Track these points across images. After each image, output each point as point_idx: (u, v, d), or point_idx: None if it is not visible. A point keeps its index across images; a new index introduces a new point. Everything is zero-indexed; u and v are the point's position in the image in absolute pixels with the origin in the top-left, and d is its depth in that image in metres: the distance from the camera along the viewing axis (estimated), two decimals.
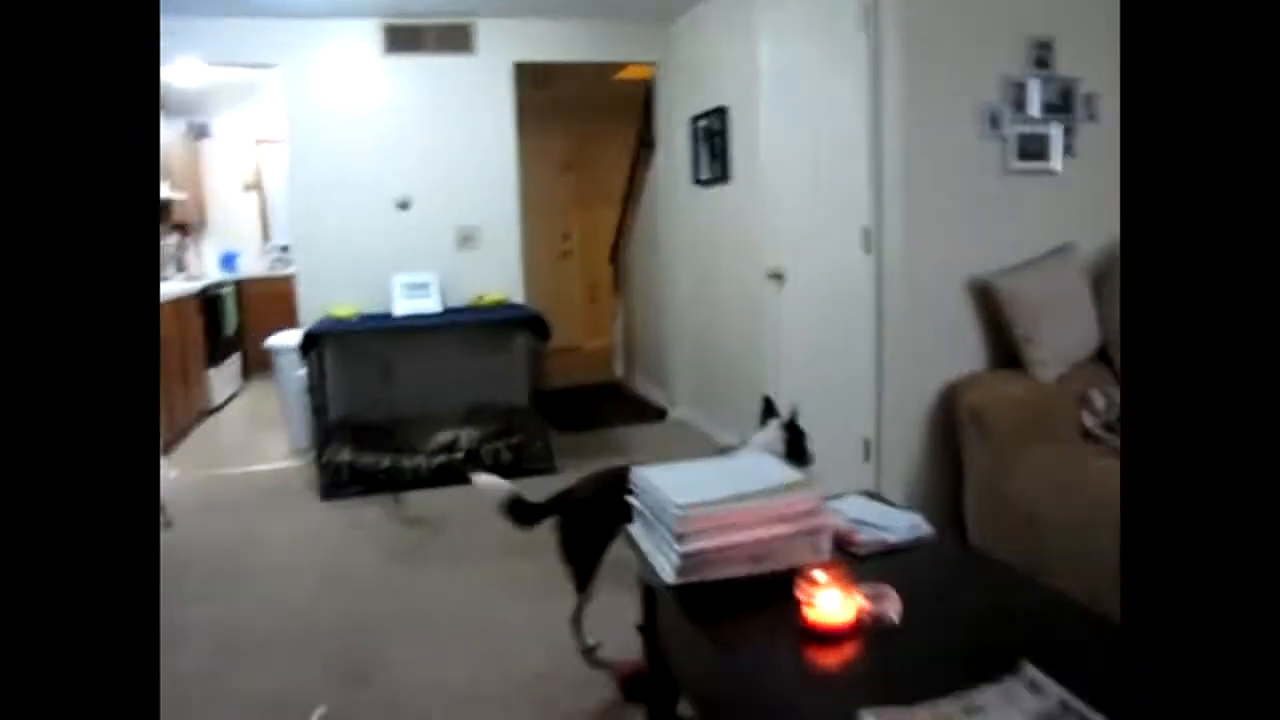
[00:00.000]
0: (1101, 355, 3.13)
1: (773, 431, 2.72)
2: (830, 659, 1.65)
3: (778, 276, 3.97)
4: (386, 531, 3.76)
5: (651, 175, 5.60)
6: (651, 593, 2.23)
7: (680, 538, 1.92)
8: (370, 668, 2.64)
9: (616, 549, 2.41)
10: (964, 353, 3.17)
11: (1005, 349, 3.15)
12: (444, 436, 4.38)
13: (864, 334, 3.28)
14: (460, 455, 4.31)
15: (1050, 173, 3.15)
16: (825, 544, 2.00)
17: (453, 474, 4.26)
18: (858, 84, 3.19)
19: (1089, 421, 2.86)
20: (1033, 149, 3.10)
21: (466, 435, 4.39)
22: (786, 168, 3.84)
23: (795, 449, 2.76)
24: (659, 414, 5.49)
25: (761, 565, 1.94)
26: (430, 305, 4.62)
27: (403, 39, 4.67)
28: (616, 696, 2.47)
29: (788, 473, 2.08)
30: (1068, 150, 3.15)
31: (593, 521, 2.58)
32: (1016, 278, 3.05)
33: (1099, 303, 3.14)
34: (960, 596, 1.91)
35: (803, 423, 3.06)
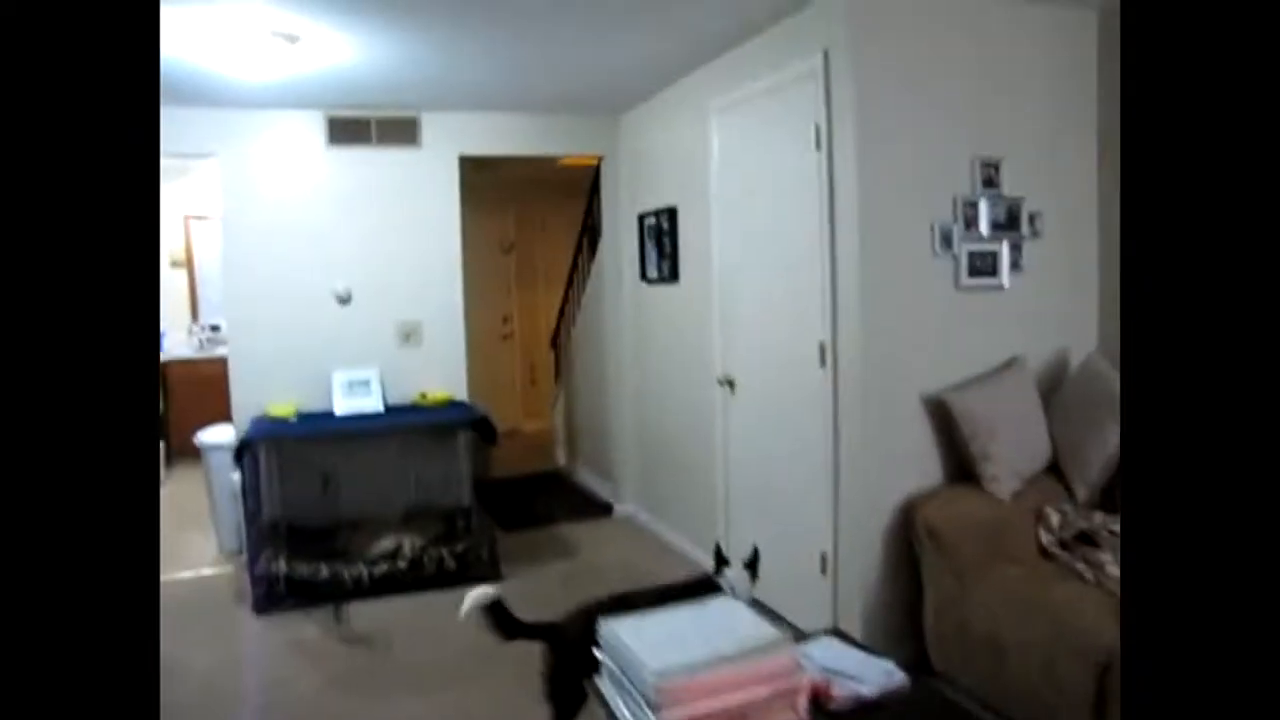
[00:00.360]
0: (1053, 468, 3.17)
1: (738, 572, 2.67)
2: None
3: (728, 383, 3.95)
4: (328, 652, 3.54)
5: (596, 265, 5.58)
6: None
7: (657, 708, 1.83)
8: None
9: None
10: (920, 466, 3.17)
11: (960, 462, 3.17)
12: (386, 544, 4.19)
13: (820, 447, 3.27)
14: (403, 564, 4.13)
15: (998, 288, 3.22)
16: (803, 703, 1.93)
17: (395, 584, 4.08)
18: (811, 199, 3.23)
19: (1045, 539, 2.88)
20: (982, 266, 3.17)
21: (410, 542, 4.20)
22: (738, 273, 3.85)
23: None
24: (605, 509, 5.38)
25: None
26: (372, 404, 4.46)
27: (346, 131, 4.59)
28: None
29: (763, 629, 2.01)
30: (1014, 266, 3.24)
31: (581, 660, 2.48)
32: (970, 394, 3.09)
33: (1048, 417, 3.19)
34: None
35: (756, 534, 3.01)
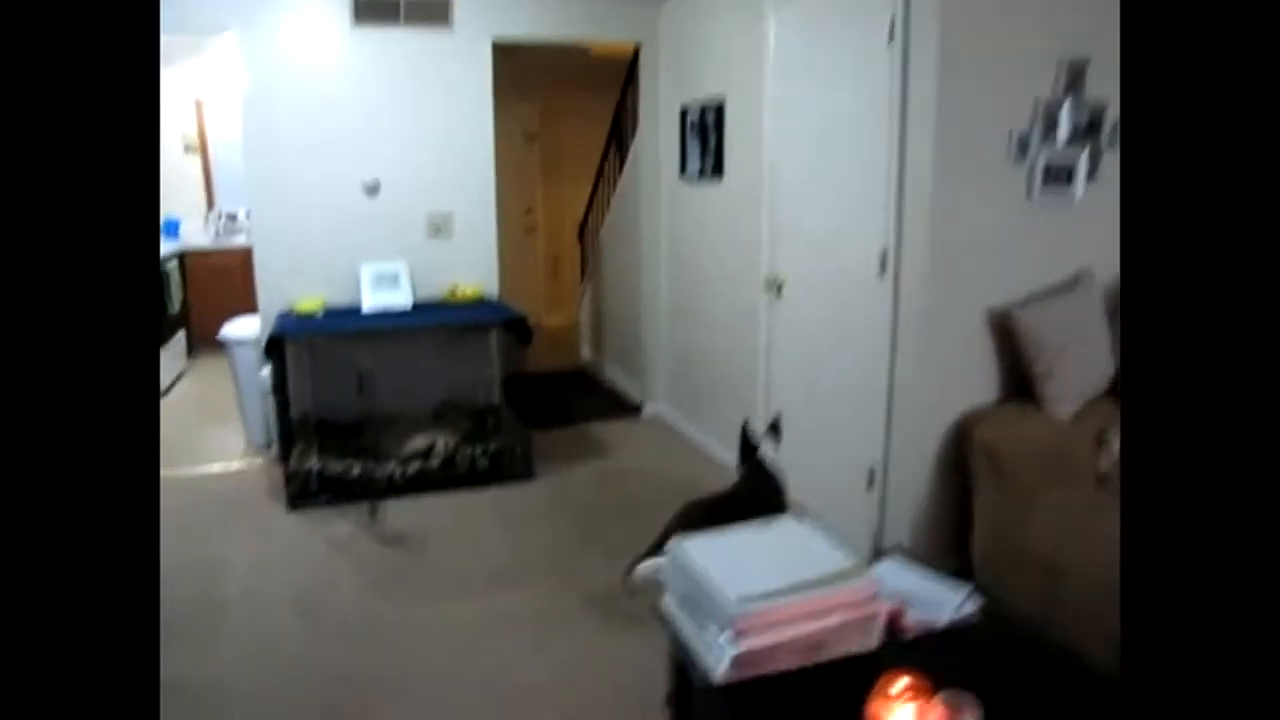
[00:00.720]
0: (1114, 390, 3.08)
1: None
2: None
3: (775, 286, 3.82)
4: (364, 552, 3.54)
5: (631, 158, 5.35)
6: (683, 670, 2.10)
7: (737, 636, 1.79)
8: None
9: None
10: (976, 383, 3.08)
11: (1017, 380, 3.07)
12: (419, 442, 4.16)
13: (875, 358, 3.17)
14: (436, 463, 4.11)
15: (1071, 201, 3.04)
16: (878, 631, 1.90)
17: (427, 482, 4.07)
18: (880, 96, 3.02)
19: (1105, 464, 2.81)
20: (1057, 176, 2.99)
21: (444, 440, 4.17)
22: (792, 173, 3.66)
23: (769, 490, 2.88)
24: (634, 409, 5.34)
25: (814, 657, 1.83)
26: (400, 299, 4.35)
27: (373, 8, 4.30)
28: None
29: (838, 555, 1.96)
30: (1090, 177, 3.05)
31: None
32: (1038, 310, 2.96)
33: (1113, 335, 3.07)
34: (1032, 695, 1.81)
35: (799, 444, 2.97)
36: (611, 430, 5.06)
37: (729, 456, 4.42)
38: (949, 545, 3.16)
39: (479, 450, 4.18)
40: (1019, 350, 2.98)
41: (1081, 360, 2.98)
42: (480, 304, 4.47)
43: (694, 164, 4.56)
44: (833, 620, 1.84)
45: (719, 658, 1.80)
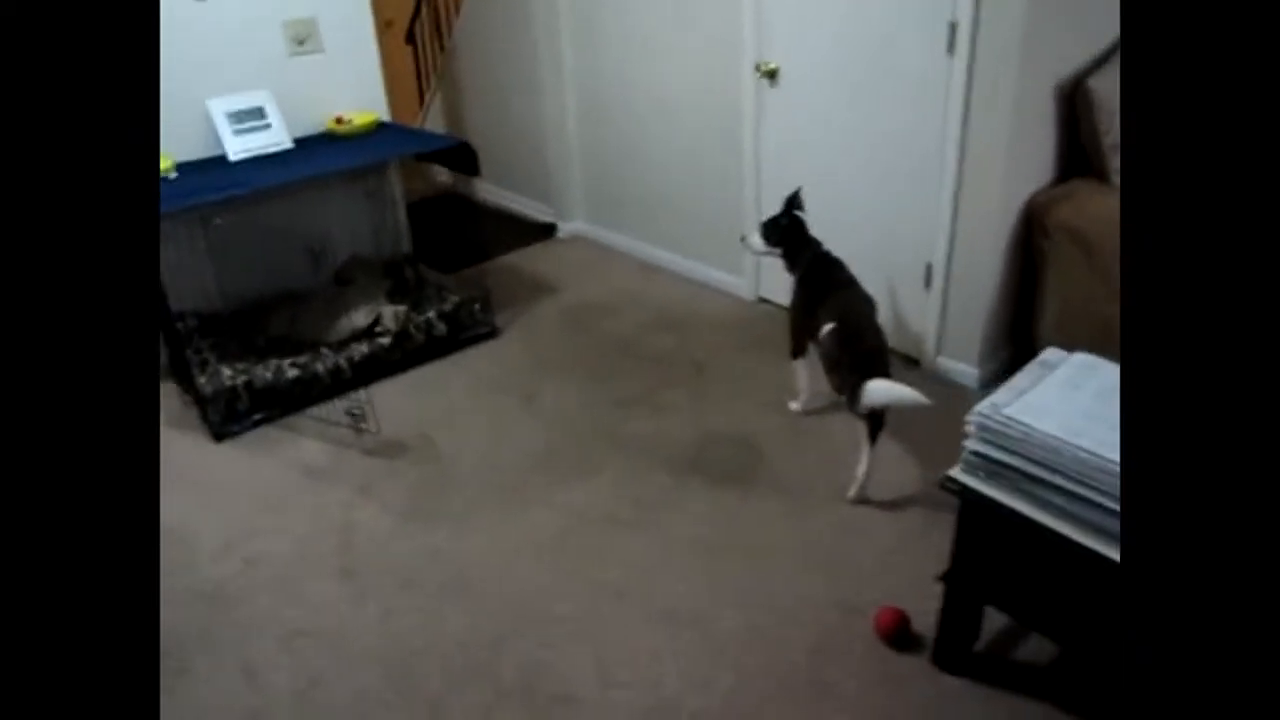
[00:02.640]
0: None
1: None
2: None
3: (768, 73, 3.33)
4: (361, 473, 2.83)
5: None
6: (971, 541, 1.89)
7: None
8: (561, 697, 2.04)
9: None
10: (1040, 164, 2.94)
11: (1077, 157, 2.97)
12: (357, 319, 3.33)
13: (933, 146, 2.89)
14: (387, 341, 3.34)
15: None
16: None
17: (381, 366, 3.32)
18: None
19: None
20: None
21: (391, 312, 3.37)
22: None
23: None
24: (544, 231, 4.68)
25: None
26: (274, 139, 3.29)
27: None
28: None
29: None
30: None
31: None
32: (1109, 78, 2.80)
33: None
34: None
35: (833, 248, 2.80)
36: (536, 260, 4.43)
37: (691, 266, 4.07)
38: (1006, 335, 3.14)
39: (433, 314, 3.46)
40: (1089, 123, 2.84)
41: None
42: (382, 134, 3.51)
43: None
44: None
45: (1118, 533, 1.60)
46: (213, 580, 2.42)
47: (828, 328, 2.55)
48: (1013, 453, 1.73)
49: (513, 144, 4.73)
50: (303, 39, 3.40)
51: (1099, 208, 2.82)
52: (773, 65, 3.30)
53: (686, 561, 2.41)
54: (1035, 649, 2.09)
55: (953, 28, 2.71)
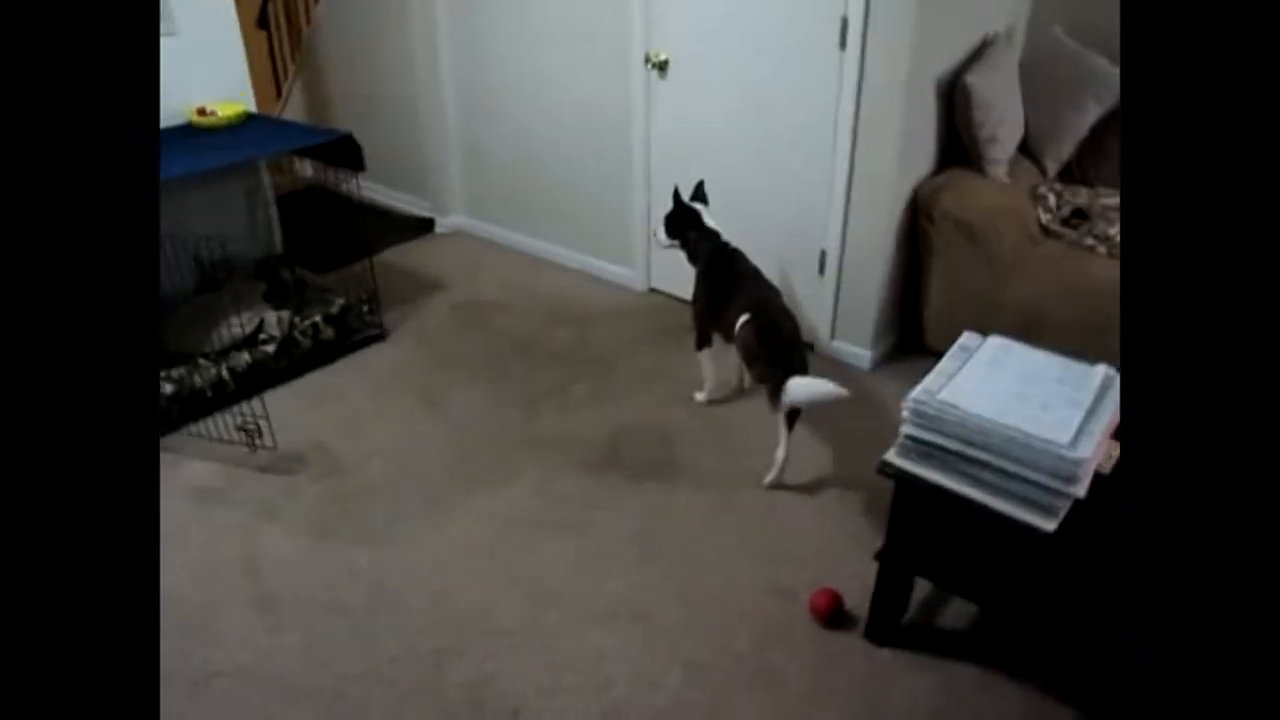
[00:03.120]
0: (1022, 148, 3.30)
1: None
2: None
3: (658, 64, 3.33)
4: (260, 492, 2.65)
5: None
6: (904, 520, 1.99)
7: (1071, 480, 1.71)
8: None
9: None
10: (922, 154, 3.10)
11: (953, 148, 3.15)
12: (236, 326, 3.10)
13: (826, 138, 3.00)
14: (271, 348, 3.12)
15: None
16: None
17: (266, 375, 3.11)
18: None
19: (1045, 218, 3.07)
20: None
21: (275, 317, 3.15)
22: None
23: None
24: (421, 226, 4.50)
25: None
26: None
27: None
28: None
29: (1081, 365, 1.93)
30: None
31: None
32: (985, 75, 2.99)
33: (1025, 95, 3.24)
34: None
35: (731, 235, 2.88)
36: (417, 257, 4.25)
37: (580, 259, 4.04)
38: (893, 316, 3.31)
39: (319, 318, 3.26)
40: (965, 116, 3.02)
41: (1012, 122, 3.12)
42: (253, 126, 3.26)
43: None
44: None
45: (1051, 506, 1.73)
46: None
47: (742, 320, 2.59)
48: (947, 435, 1.83)
49: (385, 135, 4.52)
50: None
51: (979, 196, 3.02)
52: (663, 56, 3.31)
53: (619, 559, 2.41)
54: (954, 615, 2.23)
55: (844, 23, 2.81)
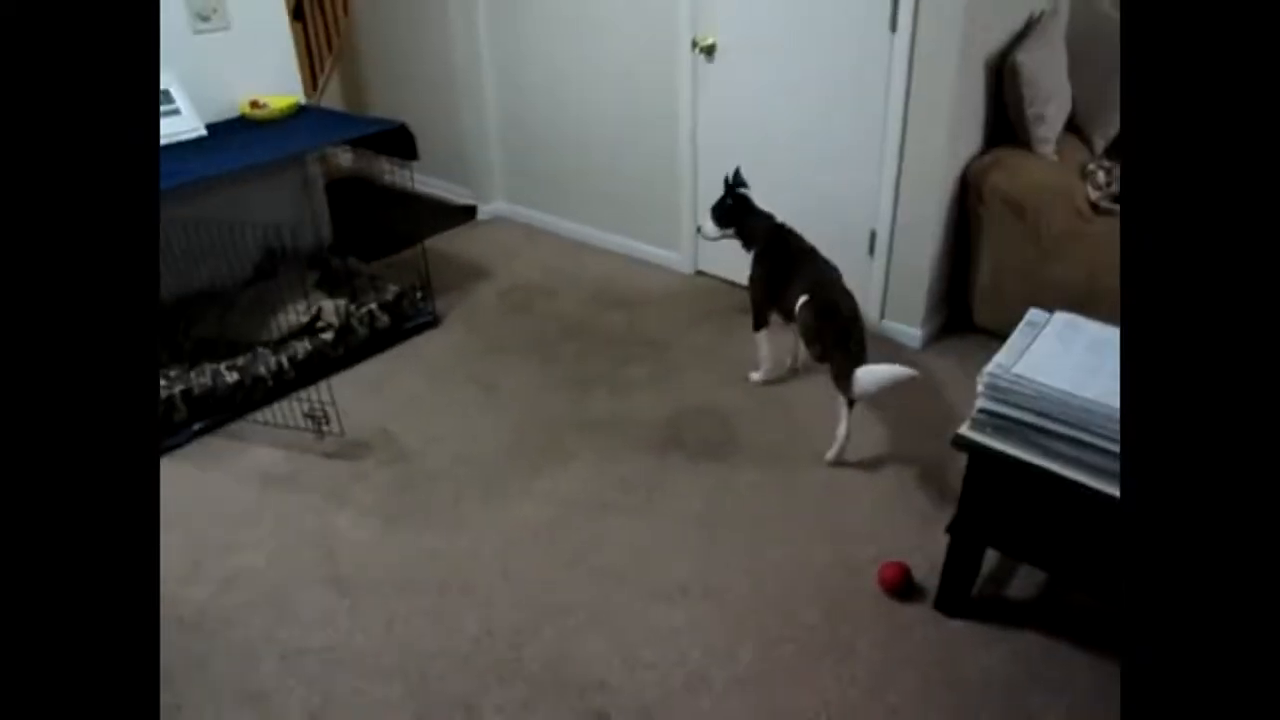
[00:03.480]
0: (1070, 126, 3.29)
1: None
2: None
3: (705, 49, 3.35)
4: (329, 479, 2.70)
5: None
6: (977, 492, 2.01)
7: None
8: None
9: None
10: (971, 134, 3.10)
11: (1002, 127, 3.15)
12: (294, 314, 3.15)
13: (876, 117, 3.01)
14: (329, 336, 3.18)
15: None
16: None
17: (326, 364, 3.16)
18: None
19: (1094, 194, 3.07)
20: None
21: (332, 305, 3.20)
22: None
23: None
24: (464, 214, 4.54)
25: None
26: (186, 126, 3.04)
27: None
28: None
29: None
30: None
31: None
32: (1032, 53, 2.99)
33: (1072, 72, 3.23)
34: None
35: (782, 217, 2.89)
36: (461, 243, 4.30)
37: (625, 243, 4.07)
38: (945, 294, 3.32)
39: (374, 305, 3.31)
40: (1015, 95, 3.02)
41: (1060, 99, 3.12)
42: (305, 118, 3.30)
43: None
44: None
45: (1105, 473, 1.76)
46: (190, 604, 2.26)
47: (802, 300, 2.62)
48: (1022, 408, 1.85)
49: (424, 123, 4.50)
50: (207, 14, 3.14)
51: (1029, 174, 3.02)
52: (710, 41, 3.33)
53: (684, 538, 2.45)
54: (1021, 586, 2.26)
55: (895, 5, 2.82)
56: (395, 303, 3.36)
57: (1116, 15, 3.25)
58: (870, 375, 2.43)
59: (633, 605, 2.23)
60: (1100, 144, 3.30)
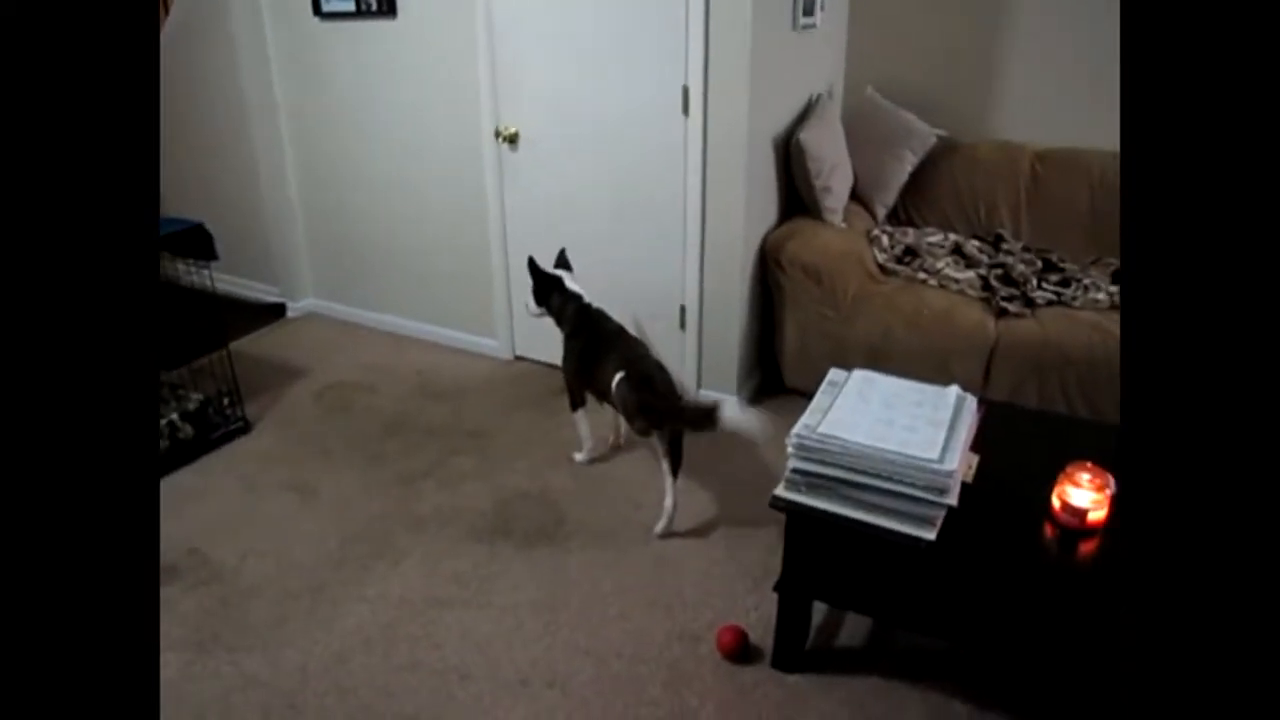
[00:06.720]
0: (853, 195, 3.59)
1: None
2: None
3: (508, 137, 3.43)
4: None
5: None
6: (798, 549, 2.10)
7: (943, 492, 1.88)
8: None
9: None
10: (768, 208, 3.32)
11: (793, 200, 3.40)
12: None
13: (674, 198, 3.17)
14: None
15: (814, 27, 3.33)
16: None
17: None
18: None
19: (881, 258, 3.35)
20: (808, 4, 3.22)
21: None
22: (526, 21, 3.22)
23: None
24: (271, 312, 4.34)
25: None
26: None
27: None
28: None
29: (935, 388, 2.13)
30: (821, 6, 3.35)
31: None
32: (814, 132, 3.26)
33: (850, 148, 3.55)
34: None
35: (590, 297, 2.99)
36: (271, 343, 4.09)
37: (442, 333, 4.04)
38: (753, 361, 3.50)
39: (175, 416, 3.08)
40: (802, 170, 3.27)
41: (842, 172, 3.41)
42: None
43: None
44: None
45: (928, 518, 1.88)
46: None
47: (618, 377, 2.67)
48: (830, 464, 1.96)
49: (226, 220, 4.35)
50: None
51: (822, 242, 3.26)
52: (513, 130, 3.41)
53: (522, 627, 2.39)
54: (850, 634, 2.36)
55: (685, 92, 3.01)
56: (199, 411, 3.15)
57: (880, 100, 3.63)
58: (737, 410, 2.50)
59: (478, 703, 2.15)
60: (881, 211, 3.63)
